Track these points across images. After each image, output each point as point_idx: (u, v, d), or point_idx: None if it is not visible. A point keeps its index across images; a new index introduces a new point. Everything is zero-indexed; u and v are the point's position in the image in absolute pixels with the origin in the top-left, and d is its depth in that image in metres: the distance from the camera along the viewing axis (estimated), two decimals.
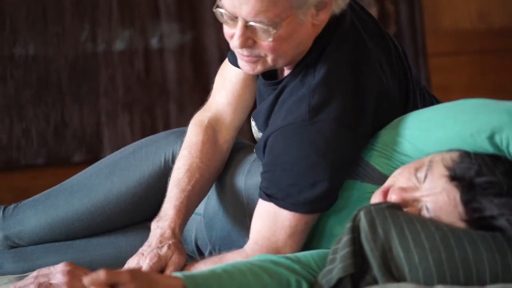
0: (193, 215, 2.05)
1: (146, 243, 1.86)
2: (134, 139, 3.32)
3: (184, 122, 3.48)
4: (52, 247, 2.10)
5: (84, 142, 3.40)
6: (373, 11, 3.44)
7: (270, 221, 1.79)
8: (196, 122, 2.05)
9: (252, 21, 1.72)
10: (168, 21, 3.45)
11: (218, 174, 2.04)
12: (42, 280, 1.78)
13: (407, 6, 3.53)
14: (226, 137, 2.05)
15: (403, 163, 1.78)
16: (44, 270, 1.81)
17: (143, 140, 2.17)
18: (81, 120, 3.38)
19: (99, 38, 3.38)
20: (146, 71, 3.45)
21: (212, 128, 2.04)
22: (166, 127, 3.43)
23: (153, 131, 3.40)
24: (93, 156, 3.35)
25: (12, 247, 2.12)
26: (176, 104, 3.47)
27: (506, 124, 1.63)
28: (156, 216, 1.92)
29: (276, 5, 1.71)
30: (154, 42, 3.44)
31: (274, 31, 1.73)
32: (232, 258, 1.80)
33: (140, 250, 1.85)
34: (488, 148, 1.66)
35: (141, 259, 1.82)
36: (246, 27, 1.74)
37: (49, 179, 2.47)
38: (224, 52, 3.54)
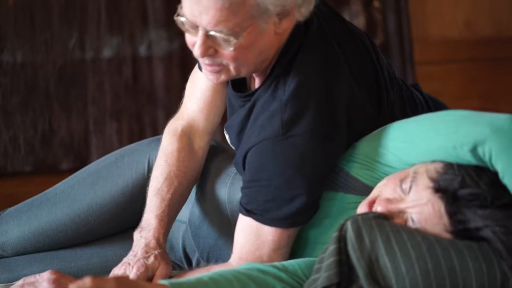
0: (178, 223, 2.04)
1: (131, 253, 1.85)
2: (122, 147, 3.30)
3: None
4: (36, 257, 2.08)
5: (72, 150, 3.39)
6: (361, 19, 3.45)
7: (253, 236, 1.79)
8: (170, 131, 2.05)
9: (213, 31, 1.70)
10: (156, 29, 3.44)
11: (196, 180, 2.05)
12: None
13: (395, 15, 3.54)
14: (200, 143, 2.05)
15: (387, 174, 1.78)
16: (30, 278, 1.80)
17: (125, 148, 2.17)
18: (69, 127, 3.37)
19: (87, 45, 3.38)
20: (134, 78, 3.44)
21: (186, 135, 2.04)
22: (154, 134, 3.42)
23: (141, 138, 3.36)
24: (81, 163, 3.33)
25: None
26: (164, 111, 3.46)
27: (488, 136, 1.64)
28: (138, 226, 1.91)
29: (236, 15, 1.68)
30: (142, 50, 3.44)
31: (235, 40, 1.71)
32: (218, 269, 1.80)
33: (125, 259, 1.84)
34: (471, 160, 1.66)
35: (128, 269, 1.82)
36: (207, 36, 1.72)
37: (36, 187, 2.46)
38: None
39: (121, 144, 3.38)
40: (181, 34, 3.48)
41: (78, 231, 2.08)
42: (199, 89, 2.03)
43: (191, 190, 2.04)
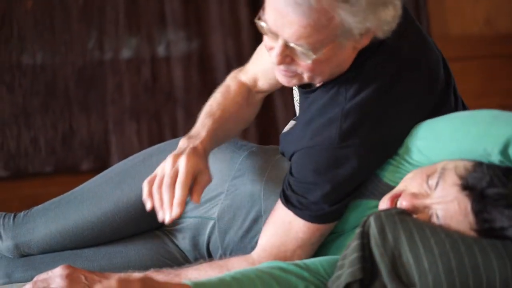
0: (205, 220, 2.05)
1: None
2: (141, 147, 3.33)
3: (191, 129, 3.51)
4: (60, 255, 2.09)
5: (92, 150, 3.40)
6: None
7: (283, 230, 1.80)
8: (232, 77, 2.10)
9: (293, 43, 1.71)
10: (174, 29, 3.46)
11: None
12: (41, 285, 1.76)
13: (414, 12, 3.53)
14: (256, 97, 2.10)
15: None
16: (42, 275, 1.79)
17: (153, 147, 2.17)
18: (89, 128, 3.39)
19: (106, 46, 3.39)
20: (153, 78, 3.45)
21: (245, 86, 2.08)
22: (174, 134, 3.43)
23: (160, 138, 3.41)
24: (101, 164, 3.35)
25: (22, 255, 2.12)
26: (183, 111, 3.47)
27: None
28: (186, 134, 1.92)
29: (319, 33, 1.69)
30: (160, 50, 3.45)
31: (314, 55, 1.72)
32: (237, 262, 1.81)
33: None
34: (502, 161, 1.66)
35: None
36: (286, 46, 1.73)
37: (57, 187, 2.47)
38: (231, 58, 3.55)
39: (140, 144, 3.40)
40: (199, 34, 3.53)
41: (104, 230, 2.09)
42: (268, 55, 2.04)
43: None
